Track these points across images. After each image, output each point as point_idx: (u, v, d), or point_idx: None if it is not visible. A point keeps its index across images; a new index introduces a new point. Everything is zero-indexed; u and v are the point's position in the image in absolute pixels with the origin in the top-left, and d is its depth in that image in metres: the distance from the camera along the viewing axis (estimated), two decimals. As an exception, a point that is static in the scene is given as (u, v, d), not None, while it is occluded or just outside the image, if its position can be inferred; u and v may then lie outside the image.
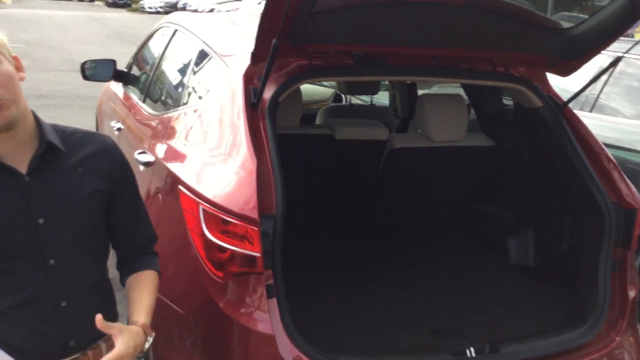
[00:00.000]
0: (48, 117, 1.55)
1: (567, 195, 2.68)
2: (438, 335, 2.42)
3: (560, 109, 2.71)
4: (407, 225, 3.38)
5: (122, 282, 1.68)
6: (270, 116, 2.22)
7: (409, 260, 3.11)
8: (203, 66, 2.87)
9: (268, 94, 2.26)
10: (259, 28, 2.04)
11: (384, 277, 2.92)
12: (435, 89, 5.15)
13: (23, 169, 1.44)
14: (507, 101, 3.37)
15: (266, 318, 1.98)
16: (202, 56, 2.91)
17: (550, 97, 2.74)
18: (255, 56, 2.22)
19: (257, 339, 1.98)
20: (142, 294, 1.61)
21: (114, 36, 19.73)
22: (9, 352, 1.42)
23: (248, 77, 2.33)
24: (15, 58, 1.45)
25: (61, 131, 1.54)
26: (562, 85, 3.13)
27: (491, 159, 3.16)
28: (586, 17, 2.57)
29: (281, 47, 2.05)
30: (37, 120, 1.50)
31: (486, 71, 2.68)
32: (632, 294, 2.41)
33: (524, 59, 2.70)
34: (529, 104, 2.78)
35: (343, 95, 4.94)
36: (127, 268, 1.67)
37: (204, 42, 2.96)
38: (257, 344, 1.99)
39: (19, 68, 1.45)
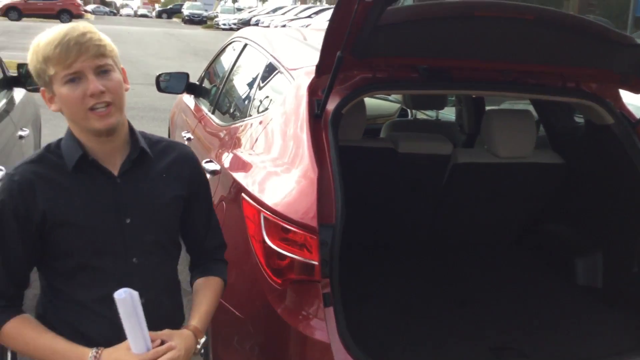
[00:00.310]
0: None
1: (638, 215, 2.58)
2: (497, 354, 2.37)
3: (633, 126, 2.62)
4: (469, 242, 3.32)
5: (191, 283, 1.76)
6: (333, 127, 2.25)
7: (470, 277, 3.06)
8: (270, 79, 2.94)
9: (331, 105, 2.29)
10: (324, 41, 2.09)
11: (443, 292, 2.88)
12: (505, 106, 5.05)
13: (115, 171, 1.54)
14: (579, 118, 3.28)
15: (322, 326, 1.99)
16: (269, 69, 2.98)
17: (623, 114, 2.66)
18: (320, 68, 2.26)
19: (313, 346, 2.00)
20: (202, 298, 1.68)
21: (189, 51, 20.37)
22: (84, 342, 1.48)
23: (312, 89, 2.38)
24: (122, 70, 1.55)
25: (148, 139, 1.63)
26: (636, 102, 3.03)
27: (560, 176, 3.08)
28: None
29: (345, 60, 2.08)
30: (130, 127, 1.60)
31: (555, 86, 2.62)
32: None
33: (595, 75, 2.64)
34: (600, 121, 2.71)
35: (409, 110, 4.92)
36: (197, 272, 1.75)
37: (271, 55, 3.03)
38: (313, 351, 2.01)
39: (124, 80, 1.55)
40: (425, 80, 2.49)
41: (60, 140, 1.55)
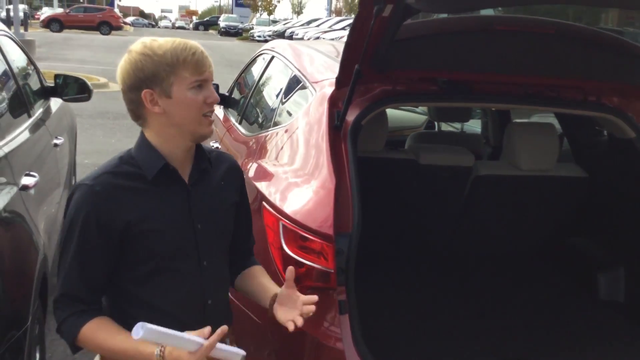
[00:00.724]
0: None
1: None
2: (512, 366, 2.38)
3: (655, 140, 2.60)
4: (489, 255, 3.32)
5: (232, 279, 1.83)
6: (352, 138, 2.30)
7: (489, 289, 3.06)
8: (294, 90, 3.00)
9: (351, 117, 2.34)
10: (343, 54, 2.14)
11: (461, 304, 2.89)
12: (534, 119, 5.03)
13: (185, 179, 1.63)
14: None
15: (337, 333, 2.03)
16: (293, 81, 3.04)
17: (645, 128, 2.64)
18: (340, 81, 2.31)
19: (328, 353, 2.03)
20: (263, 280, 1.79)
21: (223, 63, 20.64)
22: None
23: (333, 101, 2.43)
24: None
25: (204, 149, 1.72)
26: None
27: (583, 190, 3.06)
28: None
29: (364, 73, 2.13)
30: None
31: (576, 100, 2.63)
32: None
33: (617, 89, 2.64)
34: (622, 135, 2.70)
35: (436, 122, 4.93)
36: (237, 267, 1.83)
37: (296, 67, 3.10)
38: (327, 359, 2.04)
39: None
40: (445, 93, 2.52)
41: (129, 150, 1.61)
